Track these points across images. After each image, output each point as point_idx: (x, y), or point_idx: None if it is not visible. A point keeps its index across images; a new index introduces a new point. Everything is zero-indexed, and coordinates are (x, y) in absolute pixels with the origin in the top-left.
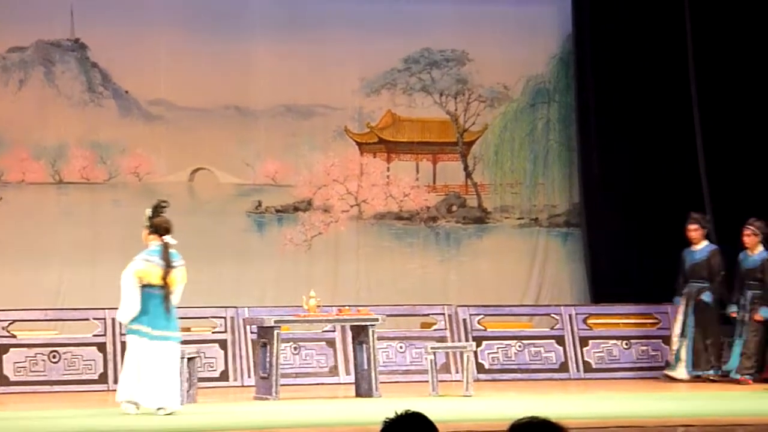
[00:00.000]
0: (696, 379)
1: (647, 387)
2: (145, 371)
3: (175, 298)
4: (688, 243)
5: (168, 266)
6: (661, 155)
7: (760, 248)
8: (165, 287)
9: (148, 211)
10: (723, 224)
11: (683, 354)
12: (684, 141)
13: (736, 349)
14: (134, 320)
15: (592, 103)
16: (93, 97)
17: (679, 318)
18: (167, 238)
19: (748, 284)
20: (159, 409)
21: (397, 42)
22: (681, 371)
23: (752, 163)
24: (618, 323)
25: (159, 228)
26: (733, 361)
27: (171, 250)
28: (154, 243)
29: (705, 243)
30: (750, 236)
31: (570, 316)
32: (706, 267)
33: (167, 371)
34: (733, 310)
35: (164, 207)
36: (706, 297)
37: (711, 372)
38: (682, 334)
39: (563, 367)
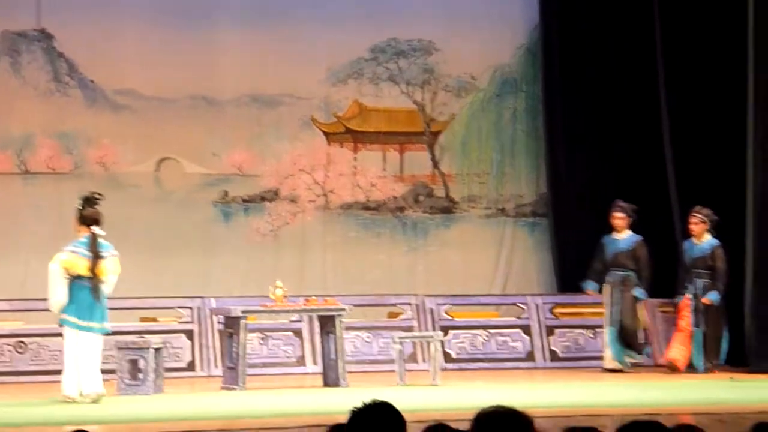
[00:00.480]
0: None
1: (613, 376)
2: (79, 360)
3: (106, 289)
4: (611, 230)
5: (96, 257)
6: (628, 145)
7: (708, 236)
8: (93, 278)
9: (78, 203)
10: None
11: (607, 343)
12: (651, 131)
13: (697, 339)
14: (64, 310)
15: (558, 94)
16: (59, 87)
17: (606, 309)
18: (95, 229)
19: (698, 273)
20: (83, 395)
21: (364, 31)
22: (607, 360)
23: (719, 155)
24: (584, 312)
25: (87, 219)
26: (697, 352)
27: (101, 241)
28: (83, 234)
29: (629, 233)
30: (698, 224)
31: (536, 305)
32: (630, 257)
33: (88, 361)
34: (679, 300)
35: (98, 199)
36: (639, 293)
37: (628, 361)
38: (610, 324)
39: (530, 357)
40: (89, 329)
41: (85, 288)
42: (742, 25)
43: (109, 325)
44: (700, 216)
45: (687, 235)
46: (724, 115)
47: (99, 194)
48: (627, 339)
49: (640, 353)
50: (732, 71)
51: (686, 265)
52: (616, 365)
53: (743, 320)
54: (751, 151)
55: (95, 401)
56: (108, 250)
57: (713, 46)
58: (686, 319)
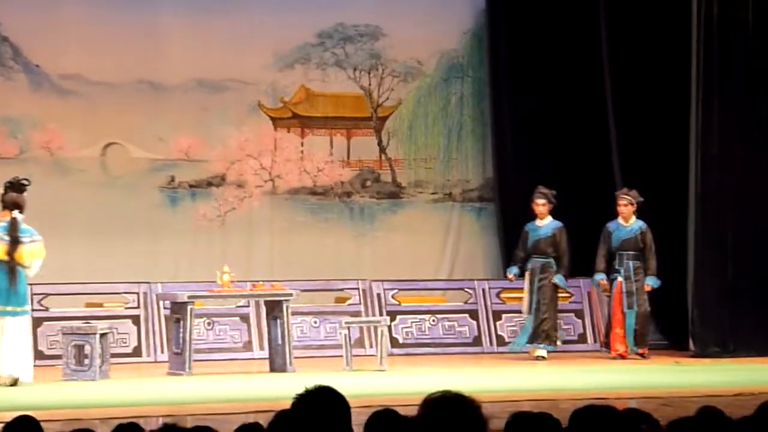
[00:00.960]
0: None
1: (558, 360)
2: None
3: (30, 272)
4: (533, 217)
5: (14, 242)
6: (573, 130)
7: (634, 218)
8: (10, 262)
9: (2, 187)
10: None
11: (525, 329)
12: (596, 117)
13: (629, 321)
14: None
15: (505, 78)
16: (3, 72)
17: (526, 296)
18: (16, 214)
19: (628, 255)
20: (7, 376)
21: (311, 16)
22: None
23: (662, 141)
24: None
25: (8, 204)
26: (629, 333)
27: (23, 227)
28: (4, 219)
29: (549, 219)
30: (627, 206)
31: (483, 290)
32: (551, 244)
33: (18, 345)
34: (601, 278)
35: (24, 185)
36: (559, 281)
37: (543, 347)
38: (529, 312)
39: (476, 341)
40: (14, 314)
41: (1, 272)
42: (686, 14)
43: (29, 308)
44: (628, 198)
45: (612, 216)
46: (668, 101)
47: (26, 180)
48: (541, 328)
49: (554, 343)
50: (676, 57)
51: (613, 247)
52: (537, 353)
53: (686, 304)
54: (694, 137)
55: (11, 384)
56: (29, 235)
57: (658, 32)
58: (618, 302)
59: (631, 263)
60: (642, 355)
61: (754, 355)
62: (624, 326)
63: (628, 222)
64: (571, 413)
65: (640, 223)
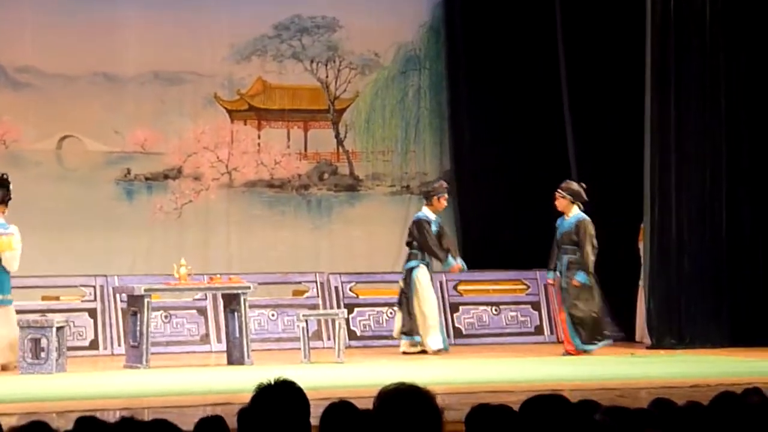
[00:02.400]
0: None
1: (516, 352)
2: None
3: (8, 265)
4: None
5: None
6: (530, 122)
7: (575, 211)
8: None
9: None
10: (588, 193)
11: (398, 323)
12: (553, 107)
13: (567, 317)
14: None
15: (462, 71)
16: None
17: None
18: None
19: (564, 249)
20: None
21: (267, 8)
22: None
23: (618, 132)
24: (488, 289)
25: None
26: (569, 329)
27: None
28: None
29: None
30: (558, 199)
31: (441, 282)
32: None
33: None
34: (549, 277)
35: (8, 180)
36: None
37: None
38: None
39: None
40: None
41: None
42: (641, 3)
43: (10, 298)
44: (559, 192)
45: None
46: (624, 92)
47: (6, 174)
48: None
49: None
50: (631, 49)
51: (557, 242)
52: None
53: (642, 297)
54: (649, 128)
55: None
56: (3, 228)
57: (613, 23)
58: (559, 299)
59: (565, 258)
60: (569, 354)
61: (709, 347)
62: (565, 323)
63: (568, 215)
64: (521, 403)
65: (579, 216)
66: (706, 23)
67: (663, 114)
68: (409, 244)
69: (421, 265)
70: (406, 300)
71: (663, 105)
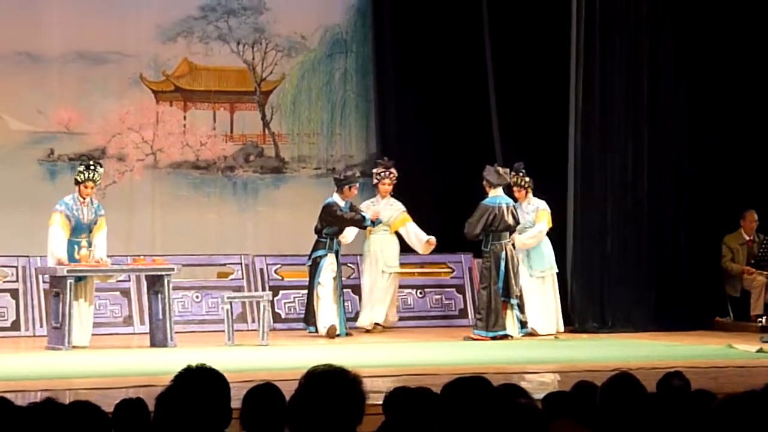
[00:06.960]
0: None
1: (441, 335)
2: None
3: None
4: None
5: None
6: (456, 106)
7: (498, 194)
8: None
9: None
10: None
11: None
12: (478, 91)
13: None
14: None
15: (389, 54)
16: None
17: None
18: None
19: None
20: None
21: None
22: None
23: (543, 116)
24: (413, 273)
25: None
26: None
27: None
28: None
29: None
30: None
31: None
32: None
33: None
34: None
35: None
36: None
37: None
38: None
39: (359, 316)
40: None
41: None
42: None
43: None
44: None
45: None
46: (549, 77)
47: None
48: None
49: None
50: (556, 34)
51: None
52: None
53: (565, 280)
54: (573, 108)
55: None
56: None
57: (539, 8)
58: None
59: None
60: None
61: (631, 331)
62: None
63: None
64: (442, 387)
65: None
66: (630, 5)
67: (587, 98)
68: (318, 231)
69: (329, 254)
70: (309, 288)
71: (587, 89)
